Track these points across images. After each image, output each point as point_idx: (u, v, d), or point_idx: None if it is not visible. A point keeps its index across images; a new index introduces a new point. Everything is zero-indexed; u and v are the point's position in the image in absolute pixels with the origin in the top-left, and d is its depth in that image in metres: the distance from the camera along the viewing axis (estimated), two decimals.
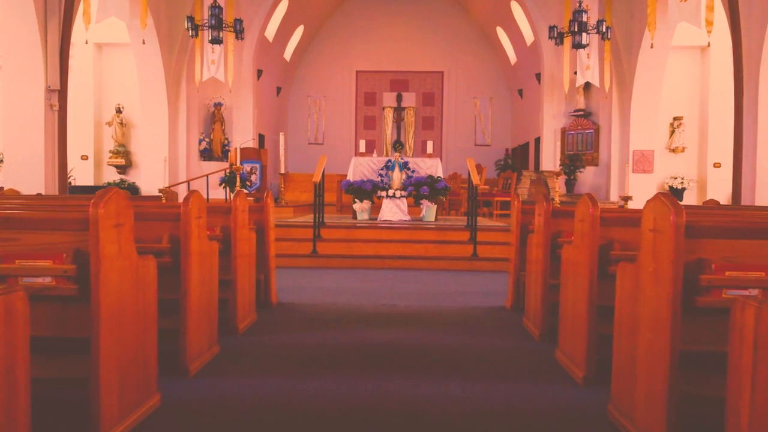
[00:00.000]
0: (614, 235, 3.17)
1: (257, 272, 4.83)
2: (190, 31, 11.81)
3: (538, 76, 16.00)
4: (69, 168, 14.66)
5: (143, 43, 11.12)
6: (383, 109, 20.18)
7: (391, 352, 3.78)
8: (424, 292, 6.05)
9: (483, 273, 7.47)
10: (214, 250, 3.55)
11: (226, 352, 3.69)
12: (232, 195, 10.71)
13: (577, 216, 3.22)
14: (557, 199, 8.79)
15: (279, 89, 18.58)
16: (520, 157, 18.18)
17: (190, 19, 11.66)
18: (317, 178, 8.17)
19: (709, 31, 9.87)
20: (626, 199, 7.55)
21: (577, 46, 11.79)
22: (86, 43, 10.84)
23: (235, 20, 11.95)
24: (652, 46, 10.80)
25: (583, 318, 3.09)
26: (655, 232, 2.23)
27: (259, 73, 16.13)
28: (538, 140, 16.26)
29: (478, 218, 8.08)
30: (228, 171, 11.73)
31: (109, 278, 2.26)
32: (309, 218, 8.58)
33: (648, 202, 2.31)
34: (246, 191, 12.41)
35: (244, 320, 4.27)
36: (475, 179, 8.03)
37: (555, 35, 11.94)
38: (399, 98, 20.04)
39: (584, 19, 11.57)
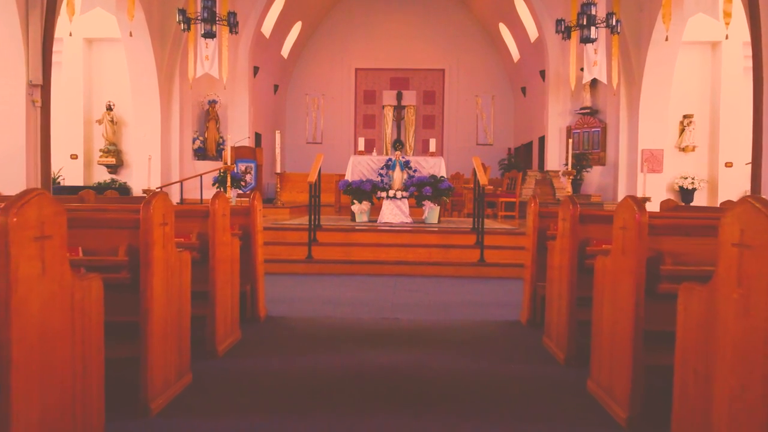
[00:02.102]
0: (664, 246, 2.63)
1: (242, 283, 4.30)
2: (182, 25, 11.29)
3: (543, 73, 15.52)
4: (58, 167, 14.21)
5: (130, 35, 10.57)
6: (383, 107, 19.73)
7: (393, 381, 3.24)
8: (428, 302, 5.51)
9: (491, 280, 6.94)
10: (186, 261, 3.02)
11: (200, 381, 3.15)
12: (228, 195, 10.18)
13: (618, 222, 2.69)
14: None
15: (276, 87, 18.10)
16: (523, 157, 17.70)
17: (182, 12, 11.14)
18: (313, 177, 7.63)
19: (727, 23, 9.37)
20: (644, 200, 7.01)
21: (586, 40, 11.27)
22: (70, 35, 10.30)
23: (229, 13, 11.42)
24: (666, 39, 10.28)
25: (626, 346, 2.56)
26: (743, 247, 1.71)
27: (256, 70, 15.63)
28: (542, 139, 15.79)
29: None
30: (222, 171, 11.22)
31: (26, 307, 1.73)
32: (305, 220, 8.05)
33: (733, 207, 1.79)
34: (240, 191, 11.93)
35: (225, 340, 3.73)
36: (482, 179, 7.50)
37: (562, 29, 11.42)
38: (399, 96, 19.58)
39: (593, 12, 11.06)
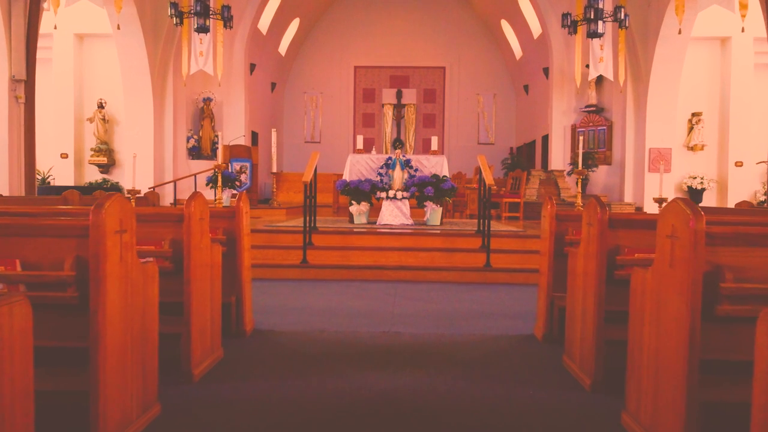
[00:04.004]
0: (722, 259, 2.19)
1: (226, 294, 3.86)
2: (174, 19, 10.87)
3: (546, 71, 15.13)
4: (48, 167, 13.79)
5: (118, 28, 10.13)
6: (382, 106, 19.35)
7: (393, 410, 2.80)
8: (432, 313, 5.06)
9: (498, 286, 6.49)
10: (151, 274, 2.58)
11: (170, 413, 2.70)
12: (219, 195, 9.76)
13: (664, 229, 2.25)
14: (579, 201, 7.83)
15: (273, 85, 17.70)
16: (525, 156, 17.28)
17: (174, 5, 10.71)
18: (307, 177, 7.19)
19: (743, 15, 8.95)
20: (661, 201, 6.56)
21: (593, 35, 10.87)
22: (55, 28, 9.85)
23: (223, 7, 10.99)
24: (680, 32, 9.87)
25: (677, 379, 2.12)
26: None
27: (252, 67, 15.21)
28: (545, 138, 15.39)
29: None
30: (215, 170, 10.80)
31: None
32: (302, 221, 7.62)
33: None
34: (235, 192, 11.50)
35: (203, 361, 3.28)
36: (488, 178, 7.06)
37: (569, 23, 11.01)
38: (399, 95, 19.21)
39: (600, 5, 10.65)
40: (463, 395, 3.02)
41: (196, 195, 3.16)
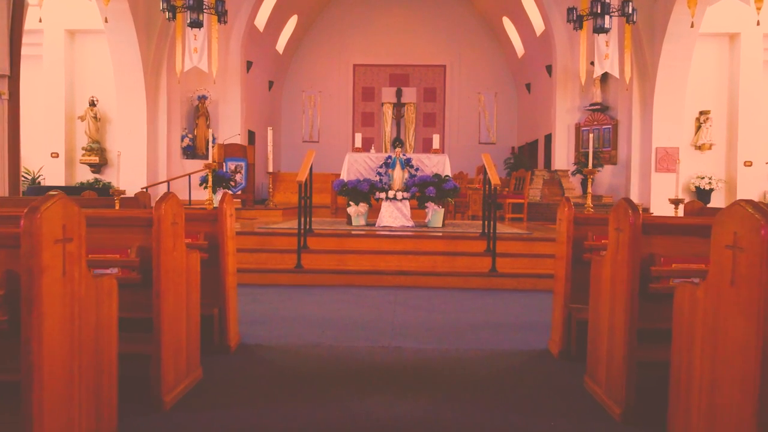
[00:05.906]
0: None
1: (208, 305, 3.46)
2: (167, 13, 10.50)
3: (549, 69, 14.77)
4: (38, 166, 13.41)
5: (105, 21, 9.75)
6: (382, 104, 19.01)
7: None
8: (435, 324, 4.65)
9: (505, 293, 6.10)
10: (107, 290, 2.18)
11: None
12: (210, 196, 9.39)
13: (720, 239, 1.86)
14: (589, 202, 7.44)
15: (271, 83, 17.33)
16: (527, 156, 16.92)
17: None
18: (302, 176, 6.78)
19: (759, 8, 8.58)
20: (677, 202, 6.16)
21: (599, 30, 10.48)
22: (40, 21, 9.46)
23: (217, 1, 10.60)
24: (692, 25, 9.47)
25: (746, 420, 1.73)
26: None
27: (249, 65, 14.84)
28: (548, 137, 15.04)
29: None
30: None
31: None
32: (297, 223, 7.22)
33: None
34: (230, 192, 11.12)
35: (177, 386, 2.88)
36: (494, 178, 6.66)
37: (574, 18, 10.63)
38: (399, 93, 18.87)
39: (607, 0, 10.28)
40: (473, 426, 2.62)
41: (167, 196, 2.76)
